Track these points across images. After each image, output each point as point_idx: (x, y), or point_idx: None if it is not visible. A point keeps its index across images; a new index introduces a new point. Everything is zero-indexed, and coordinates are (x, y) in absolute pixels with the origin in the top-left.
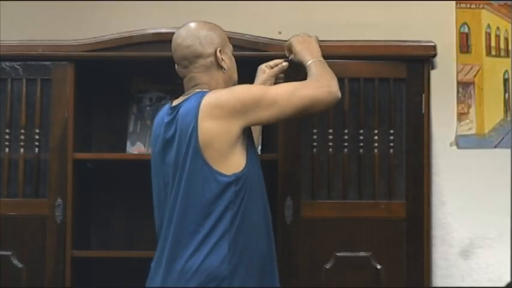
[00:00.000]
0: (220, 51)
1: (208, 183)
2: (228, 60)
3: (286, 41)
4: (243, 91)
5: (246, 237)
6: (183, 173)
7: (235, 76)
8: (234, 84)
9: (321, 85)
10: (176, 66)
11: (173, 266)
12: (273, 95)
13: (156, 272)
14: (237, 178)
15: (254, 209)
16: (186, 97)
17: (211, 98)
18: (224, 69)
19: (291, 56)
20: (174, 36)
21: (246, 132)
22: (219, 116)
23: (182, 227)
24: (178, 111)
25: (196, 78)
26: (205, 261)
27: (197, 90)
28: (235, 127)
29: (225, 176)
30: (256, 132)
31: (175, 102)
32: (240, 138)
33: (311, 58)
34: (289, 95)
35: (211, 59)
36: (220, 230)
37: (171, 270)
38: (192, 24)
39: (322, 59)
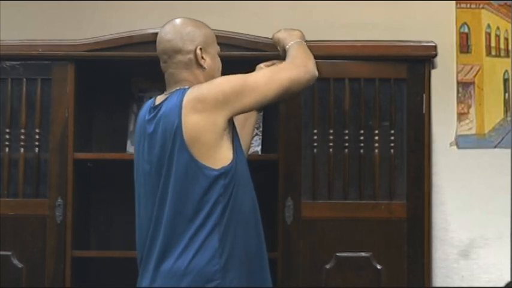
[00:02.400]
0: (201, 49)
1: (196, 179)
2: (209, 60)
3: None
4: (223, 82)
5: (236, 230)
6: (170, 172)
7: (217, 76)
8: None
9: (296, 65)
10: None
11: (163, 264)
12: (252, 81)
13: (146, 270)
14: (226, 171)
15: (244, 202)
16: (167, 95)
17: (192, 93)
18: (204, 69)
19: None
20: (159, 31)
21: (231, 125)
22: (203, 110)
23: (173, 225)
24: (160, 109)
25: (176, 75)
26: (195, 259)
27: (178, 87)
28: (220, 119)
29: (213, 169)
30: (248, 138)
31: (157, 101)
32: (225, 131)
33: (290, 41)
34: (268, 79)
35: (191, 56)
36: (211, 224)
37: (160, 269)
38: (178, 21)
39: (300, 40)
